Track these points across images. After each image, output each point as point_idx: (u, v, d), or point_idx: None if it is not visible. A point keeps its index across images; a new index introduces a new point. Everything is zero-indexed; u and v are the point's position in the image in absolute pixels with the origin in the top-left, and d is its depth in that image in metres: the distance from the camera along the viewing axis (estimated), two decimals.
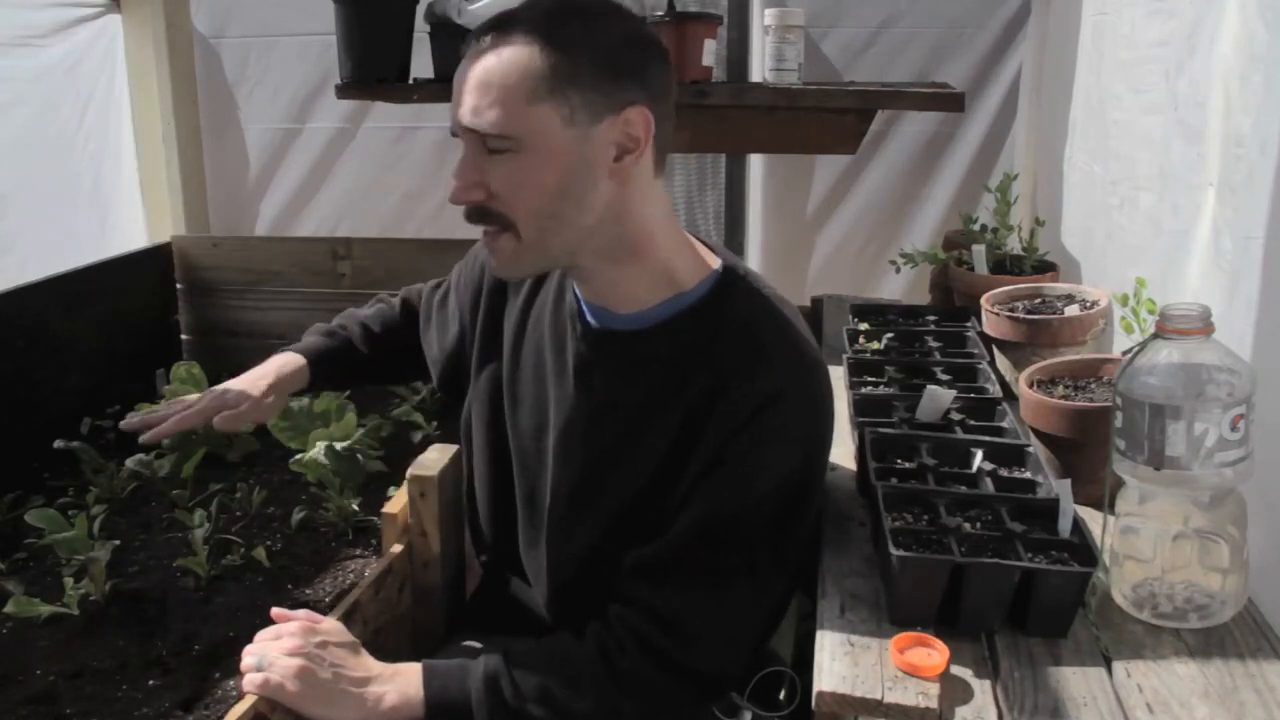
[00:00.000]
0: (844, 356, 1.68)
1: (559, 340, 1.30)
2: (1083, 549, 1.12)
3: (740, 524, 1.18)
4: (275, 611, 1.24)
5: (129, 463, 2.55)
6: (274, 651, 1.16)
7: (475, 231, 1.27)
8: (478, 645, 1.37)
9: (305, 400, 2.87)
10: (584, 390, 1.27)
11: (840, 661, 1.05)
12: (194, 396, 1.64)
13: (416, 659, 1.36)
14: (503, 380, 1.37)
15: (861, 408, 1.48)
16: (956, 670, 1.04)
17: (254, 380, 1.59)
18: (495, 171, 1.14)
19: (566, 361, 1.29)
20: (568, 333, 1.29)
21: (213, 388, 1.62)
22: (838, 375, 1.71)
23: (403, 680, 1.19)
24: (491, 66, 1.12)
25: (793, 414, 1.18)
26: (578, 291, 1.28)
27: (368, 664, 1.21)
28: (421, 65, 2.55)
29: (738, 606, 1.20)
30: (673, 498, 1.22)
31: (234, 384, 1.60)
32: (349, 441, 2.15)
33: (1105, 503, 1.17)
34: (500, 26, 1.14)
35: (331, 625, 1.23)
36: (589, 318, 1.27)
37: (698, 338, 1.21)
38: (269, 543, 2.01)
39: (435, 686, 1.19)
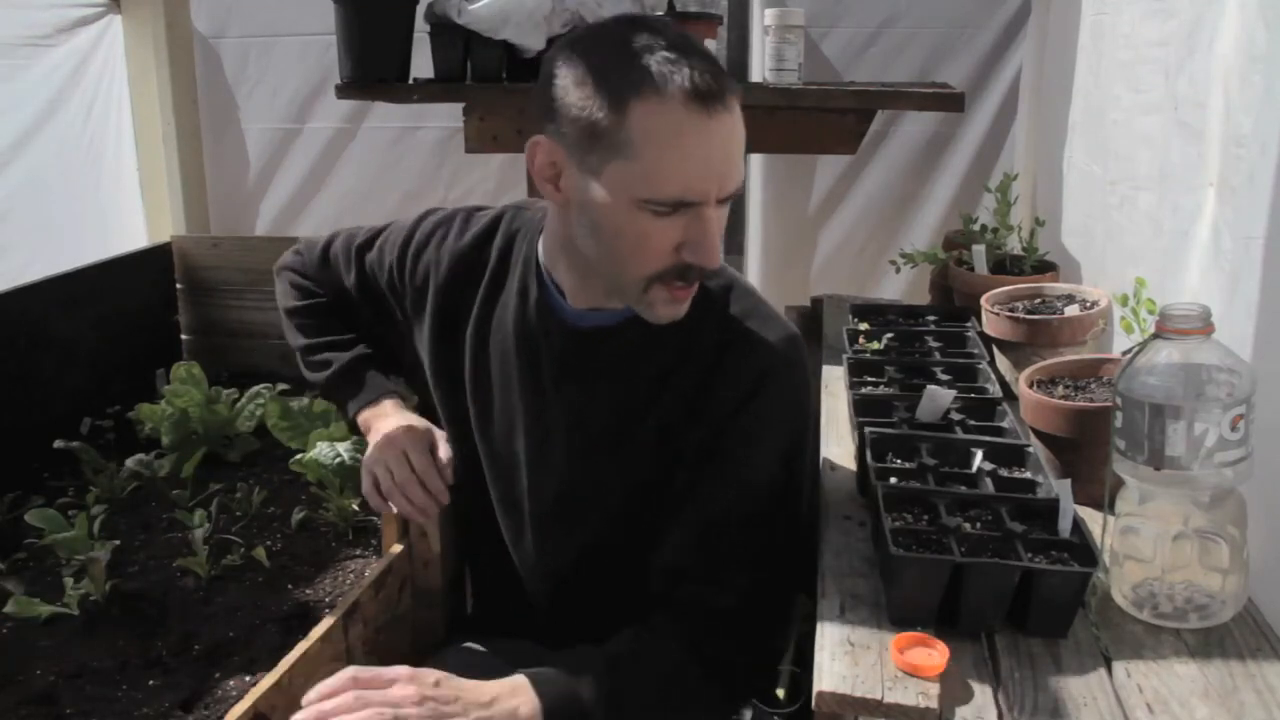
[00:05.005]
0: (844, 356, 1.68)
1: (528, 344, 1.29)
2: (1083, 549, 1.12)
3: (758, 500, 1.22)
4: (356, 673, 1.09)
5: (129, 463, 2.56)
6: (397, 699, 1.06)
7: None
8: (479, 648, 1.36)
9: (305, 400, 2.88)
10: (563, 393, 1.27)
11: (840, 661, 1.05)
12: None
13: (416, 659, 1.36)
14: (466, 385, 1.35)
15: (861, 408, 1.48)
16: (956, 670, 1.04)
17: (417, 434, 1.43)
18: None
19: (540, 365, 1.28)
20: (540, 336, 1.28)
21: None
22: (838, 375, 1.72)
23: (523, 692, 1.13)
24: (737, 132, 1.12)
25: (786, 385, 1.23)
26: (563, 293, 1.27)
27: (481, 686, 1.13)
28: (421, 65, 2.55)
29: (772, 586, 1.24)
30: (672, 487, 1.23)
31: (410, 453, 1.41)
32: (349, 442, 2.15)
33: (1105, 503, 1.16)
34: (725, 87, 1.10)
35: (425, 670, 1.13)
36: (567, 318, 1.27)
37: (673, 325, 1.21)
38: (269, 543, 2.01)
39: (550, 695, 1.13)
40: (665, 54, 1.09)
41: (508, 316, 1.31)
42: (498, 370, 1.32)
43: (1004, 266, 2.06)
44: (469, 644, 1.38)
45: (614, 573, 1.31)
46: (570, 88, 1.12)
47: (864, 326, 1.82)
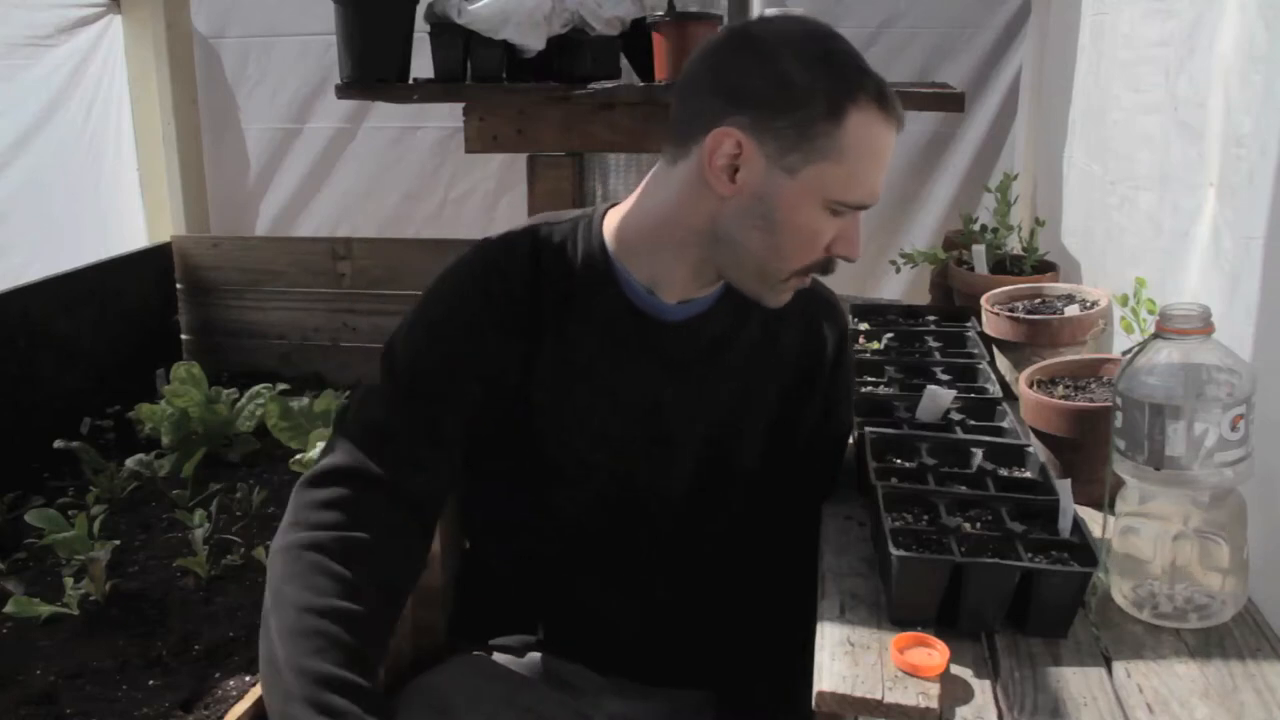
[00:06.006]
0: None
1: (630, 344, 1.25)
2: (1083, 549, 1.12)
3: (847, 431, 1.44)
4: None
5: (129, 463, 2.56)
6: None
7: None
8: (484, 658, 1.34)
9: (305, 400, 2.88)
10: (686, 384, 1.27)
11: (840, 661, 1.05)
12: None
13: (416, 659, 1.36)
14: (555, 415, 1.26)
15: (861, 408, 1.48)
16: (956, 670, 1.04)
17: None
18: None
19: (654, 362, 1.26)
20: (642, 335, 1.24)
21: None
22: None
23: None
24: None
25: (849, 329, 1.41)
26: (658, 296, 1.24)
27: None
28: (421, 65, 2.55)
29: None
30: (791, 445, 1.34)
31: None
32: None
33: (1105, 503, 1.16)
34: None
35: None
36: (664, 314, 1.25)
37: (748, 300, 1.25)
38: (269, 543, 2.01)
39: None
40: (860, 60, 1.14)
41: (591, 323, 1.25)
42: (598, 376, 1.26)
43: (1004, 266, 2.06)
44: (476, 653, 1.35)
45: (736, 567, 1.34)
46: (778, 86, 1.12)
47: (864, 326, 1.82)
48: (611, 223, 1.25)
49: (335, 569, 1.11)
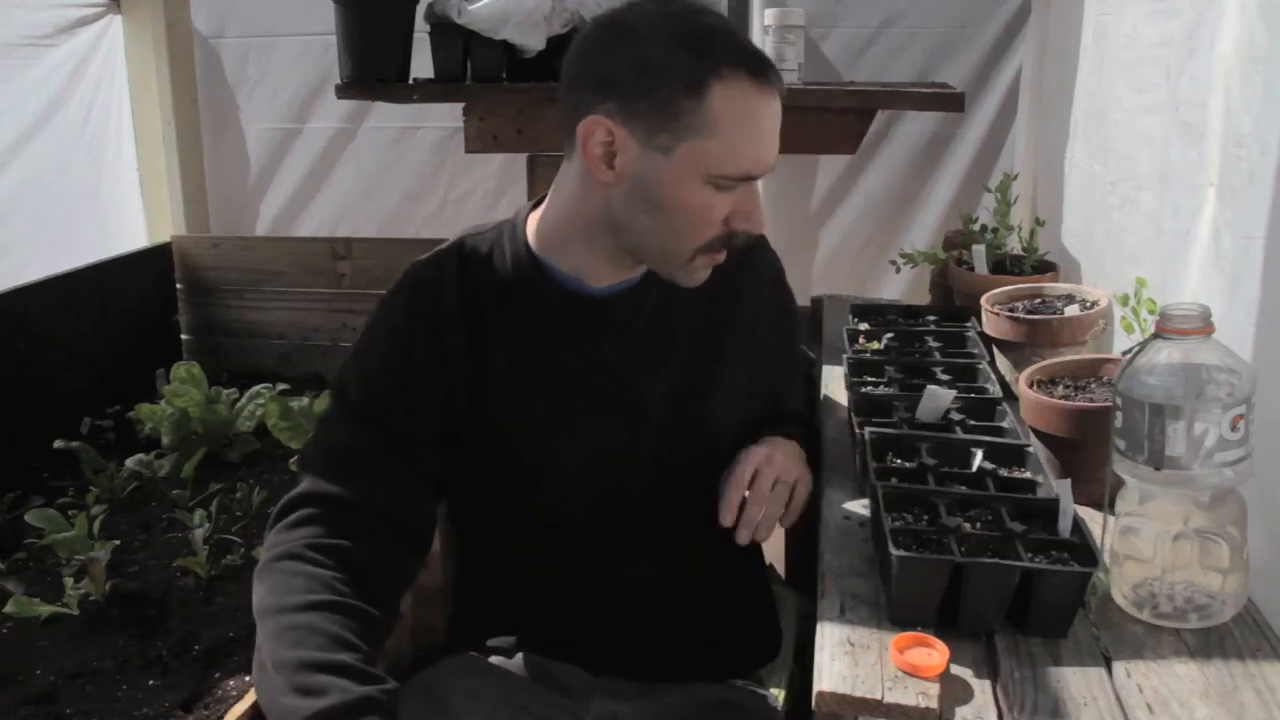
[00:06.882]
0: (844, 356, 1.68)
1: (574, 337, 1.26)
2: (1083, 549, 1.12)
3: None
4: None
5: (129, 463, 2.56)
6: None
7: None
8: (480, 659, 1.34)
9: (305, 400, 2.88)
10: (641, 363, 1.28)
11: (840, 661, 1.05)
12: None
13: (416, 659, 1.36)
14: (529, 404, 1.27)
15: (861, 408, 1.48)
16: (956, 670, 1.04)
17: None
18: None
19: (602, 348, 1.27)
20: (583, 325, 1.26)
21: None
22: (837, 375, 1.71)
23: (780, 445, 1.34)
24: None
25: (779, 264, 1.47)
26: (588, 286, 1.25)
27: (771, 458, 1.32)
28: (421, 65, 2.55)
29: None
30: (758, 400, 1.39)
31: None
32: None
33: (1105, 503, 1.16)
34: (772, 64, 1.18)
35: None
36: (597, 297, 1.26)
37: None
38: None
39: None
40: (726, 33, 1.15)
41: (529, 316, 1.26)
42: (555, 375, 1.27)
43: (1004, 266, 2.06)
44: (472, 653, 1.36)
45: (729, 563, 1.35)
46: (637, 69, 1.12)
47: (864, 326, 1.83)
48: (533, 223, 1.28)
49: (308, 569, 1.12)
